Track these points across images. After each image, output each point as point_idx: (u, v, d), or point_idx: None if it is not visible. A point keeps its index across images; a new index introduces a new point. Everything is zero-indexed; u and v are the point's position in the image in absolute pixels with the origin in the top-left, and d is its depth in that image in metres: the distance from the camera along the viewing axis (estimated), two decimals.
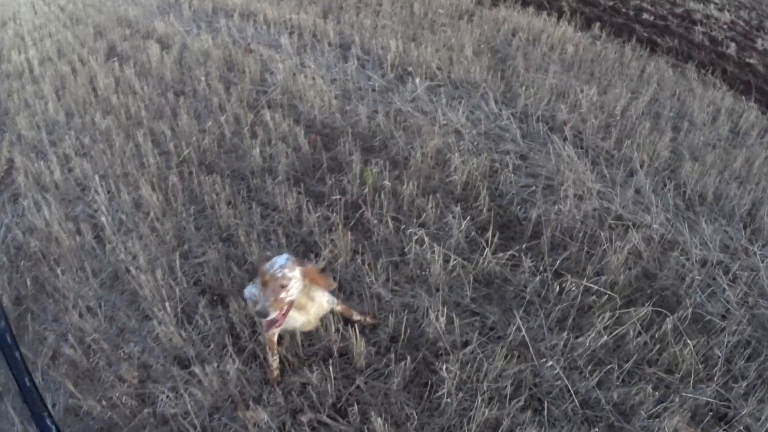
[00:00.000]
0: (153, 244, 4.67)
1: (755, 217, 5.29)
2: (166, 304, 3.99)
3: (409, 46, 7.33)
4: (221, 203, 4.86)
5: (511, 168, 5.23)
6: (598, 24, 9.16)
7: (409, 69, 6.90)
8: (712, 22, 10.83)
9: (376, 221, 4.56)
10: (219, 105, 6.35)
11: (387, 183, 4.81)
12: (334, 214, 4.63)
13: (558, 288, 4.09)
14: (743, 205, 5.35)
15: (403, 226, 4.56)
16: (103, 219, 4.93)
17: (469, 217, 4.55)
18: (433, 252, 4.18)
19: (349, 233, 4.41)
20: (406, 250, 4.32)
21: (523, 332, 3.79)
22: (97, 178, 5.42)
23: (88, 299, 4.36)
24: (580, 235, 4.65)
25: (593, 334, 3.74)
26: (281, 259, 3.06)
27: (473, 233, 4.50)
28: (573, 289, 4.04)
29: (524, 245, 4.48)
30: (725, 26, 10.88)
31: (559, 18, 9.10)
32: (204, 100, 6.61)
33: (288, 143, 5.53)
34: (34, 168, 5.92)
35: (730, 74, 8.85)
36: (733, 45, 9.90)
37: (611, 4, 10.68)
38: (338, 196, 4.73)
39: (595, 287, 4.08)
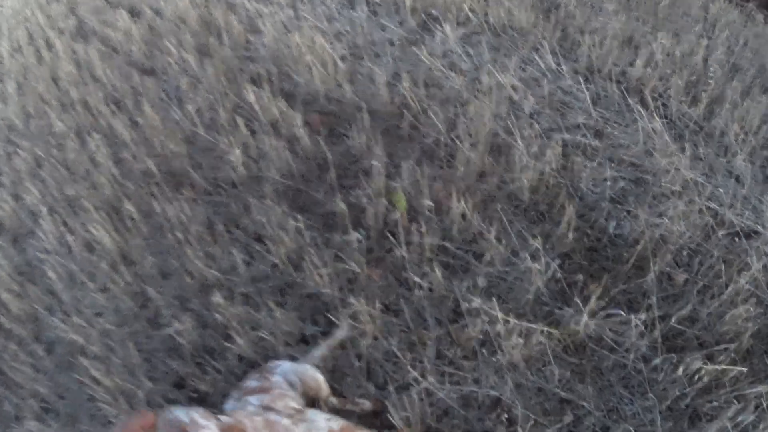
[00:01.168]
0: (109, 310, 3.16)
1: None
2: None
3: None
4: (191, 240, 3.23)
5: (588, 152, 3.60)
6: None
7: (435, 13, 5.02)
8: None
9: (415, 270, 2.93)
10: (191, 85, 4.52)
11: (428, 203, 3.10)
12: (353, 258, 2.97)
13: (675, 359, 2.67)
14: None
15: (454, 264, 3.00)
16: (51, 273, 3.35)
17: (549, 246, 2.96)
18: (505, 318, 2.62)
19: (376, 279, 2.86)
20: (463, 310, 2.74)
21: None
22: (44, 209, 3.80)
23: (43, 393, 2.99)
24: (695, 262, 3.16)
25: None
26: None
27: (558, 274, 2.89)
28: (690, 361, 2.61)
29: (622, 286, 2.93)
30: None
31: None
32: (175, 80, 4.80)
33: (280, 133, 3.78)
34: None
35: None
36: None
37: None
38: (355, 236, 3.04)
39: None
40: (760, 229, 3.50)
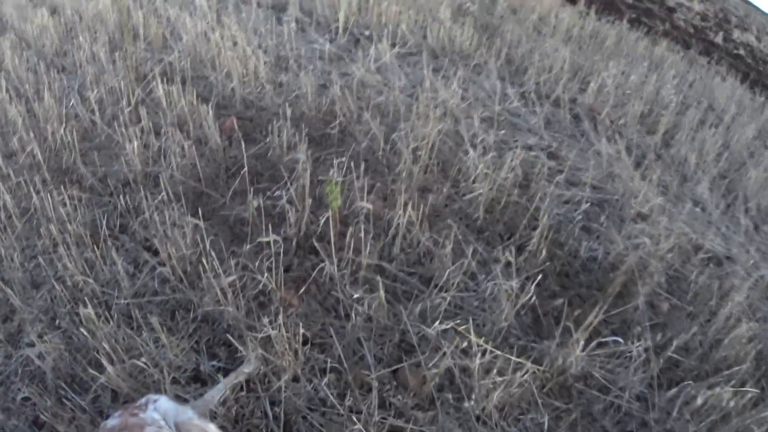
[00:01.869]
0: None
1: None
2: None
3: (366, 5, 4.92)
4: (69, 243, 2.43)
5: (544, 173, 3.04)
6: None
7: (368, 33, 4.53)
8: (685, 10, 9.06)
9: (348, 290, 2.19)
10: (95, 78, 3.77)
11: (365, 204, 2.35)
12: (267, 274, 2.15)
13: (675, 393, 2.14)
14: None
15: (398, 289, 2.27)
16: None
17: (515, 269, 2.31)
18: (470, 350, 1.93)
19: (294, 303, 2.11)
20: (415, 343, 2.03)
21: None
22: None
23: None
24: (675, 288, 2.73)
25: None
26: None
27: (533, 299, 2.21)
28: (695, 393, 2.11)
29: (605, 315, 2.31)
30: (698, 16, 9.17)
31: None
32: (84, 74, 4.04)
33: (187, 132, 3.05)
34: None
35: (728, 64, 7.19)
36: (720, 34, 8.14)
37: None
38: (271, 238, 2.13)
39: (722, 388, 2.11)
40: (733, 253, 3.17)
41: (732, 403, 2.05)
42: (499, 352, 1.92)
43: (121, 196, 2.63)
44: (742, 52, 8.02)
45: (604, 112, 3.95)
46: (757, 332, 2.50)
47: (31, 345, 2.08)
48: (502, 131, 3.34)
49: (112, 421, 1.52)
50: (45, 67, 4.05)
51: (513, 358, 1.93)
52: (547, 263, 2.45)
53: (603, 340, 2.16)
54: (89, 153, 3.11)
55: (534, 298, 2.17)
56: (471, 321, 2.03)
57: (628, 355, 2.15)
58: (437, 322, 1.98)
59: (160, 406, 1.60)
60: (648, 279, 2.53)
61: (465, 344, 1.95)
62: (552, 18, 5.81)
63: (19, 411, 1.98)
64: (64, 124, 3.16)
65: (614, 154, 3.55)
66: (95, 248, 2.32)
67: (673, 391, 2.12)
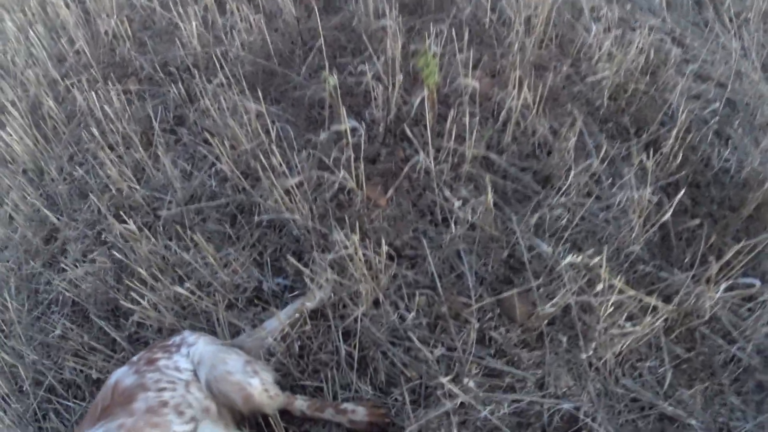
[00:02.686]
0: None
1: None
2: None
3: None
4: (115, 144, 2.14)
5: (670, 63, 2.48)
6: None
7: None
8: None
9: (447, 189, 1.76)
10: None
11: (471, 82, 1.85)
12: (344, 171, 1.70)
13: None
14: None
15: (510, 193, 1.83)
16: None
17: (649, 173, 1.82)
18: (594, 283, 1.51)
19: (381, 204, 1.71)
20: (526, 261, 1.61)
21: None
22: None
23: None
24: None
25: None
26: None
27: (666, 215, 1.73)
28: None
29: (741, 242, 1.83)
30: None
31: None
32: None
33: (257, 4, 2.53)
34: None
35: None
36: None
37: None
38: (347, 125, 1.69)
39: None
40: None
41: None
42: (630, 291, 1.48)
43: (178, 84, 2.27)
44: None
45: (727, 2, 3.30)
46: None
47: (75, 266, 1.78)
48: (627, 6, 2.74)
49: (121, 371, 1.30)
50: None
51: (644, 297, 1.50)
52: (682, 171, 1.96)
53: (738, 282, 1.70)
54: (147, 42, 2.72)
55: (668, 214, 1.72)
56: (597, 244, 1.60)
57: (761, 300, 1.69)
58: (555, 239, 1.54)
59: (196, 351, 1.26)
60: None
61: (588, 276, 1.52)
62: None
63: (58, 345, 1.74)
64: (115, 15, 2.78)
65: (740, 51, 2.94)
66: (145, 148, 2.02)
67: None
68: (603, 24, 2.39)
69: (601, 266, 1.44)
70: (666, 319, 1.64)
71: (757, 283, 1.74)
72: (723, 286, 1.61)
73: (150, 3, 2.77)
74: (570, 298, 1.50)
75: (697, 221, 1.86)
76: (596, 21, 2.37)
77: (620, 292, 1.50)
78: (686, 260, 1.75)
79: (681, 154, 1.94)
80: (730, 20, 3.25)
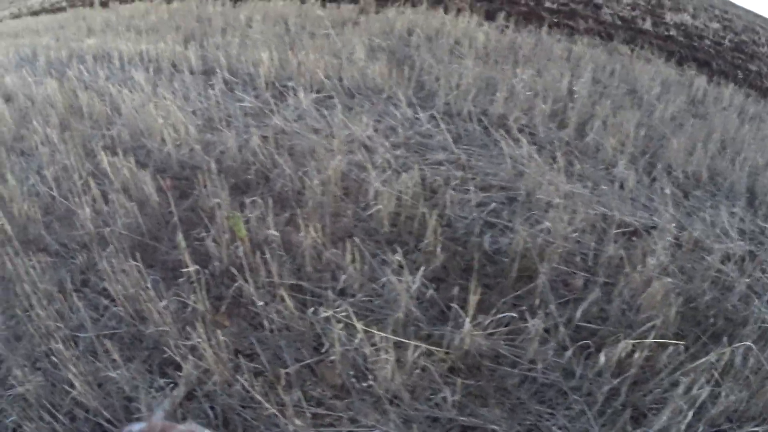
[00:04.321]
0: None
1: (757, 192, 4.35)
2: None
3: (287, 57, 5.45)
4: (40, 298, 2.88)
5: (452, 183, 3.45)
6: (502, 14, 7.67)
7: (290, 83, 5.02)
8: (614, 4, 9.64)
9: (264, 298, 2.62)
10: (50, 157, 4.31)
11: (273, 232, 2.84)
12: (194, 294, 2.61)
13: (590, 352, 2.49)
14: (741, 181, 4.36)
15: (311, 300, 2.66)
16: None
17: (414, 267, 2.69)
18: (372, 340, 2.31)
19: (225, 324, 2.53)
20: (324, 342, 2.43)
21: None
22: None
23: None
24: (587, 260, 3.07)
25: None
26: None
27: (429, 292, 2.63)
28: (612, 354, 2.40)
29: (510, 296, 2.71)
30: (628, 6, 9.73)
31: (458, 13, 7.58)
32: (39, 155, 4.57)
33: (130, 195, 3.56)
34: None
35: (656, 47, 7.68)
36: (648, 19, 8.69)
37: None
38: (192, 268, 2.64)
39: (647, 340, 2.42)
40: (657, 222, 3.49)
41: (658, 358, 2.40)
42: (396, 338, 2.29)
43: (80, 255, 3.13)
44: (673, 32, 8.56)
45: (513, 117, 4.37)
46: (678, 286, 2.87)
47: (20, 384, 2.45)
48: (411, 153, 3.76)
49: None
50: (5, 152, 4.57)
51: (411, 342, 2.30)
52: (448, 260, 2.84)
53: (500, 316, 2.50)
54: (51, 224, 3.58)
55: (431, 291, 2.58)
56: (373, 316, 2.42)
57: (530, 330, 2.45)
58: (342, 324, 2.35)
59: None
60: (553, 258, 2.89)
61: (370, 338, 2.32)
62: (467, 39, 6.30)
63: None
64: (27, 202, 3.67)
65: (525, 154, 3.93)
66: (63, 300, 2.80)
67: (589, 353, 2.46)
68: (381, 169, 3.41)
69: (370, 326, 2.27)
70: (445, 360, 2.41)
71: (515, 315, 2.54)
72: (485, 324, 2.42)
73: (51, 192, 3.69)
74: (353, 354, 2.30)
75: (457, 291, 2.64)
76: (377, 169, 3.38)
77: (392, 342, 2.29)
78: (456, 319, 2.56)
79: (440, 248, 2.83)
80: (518, 131, 4.28)
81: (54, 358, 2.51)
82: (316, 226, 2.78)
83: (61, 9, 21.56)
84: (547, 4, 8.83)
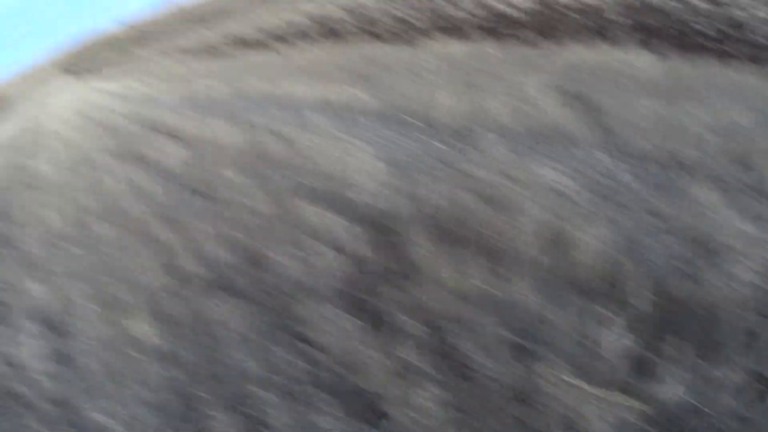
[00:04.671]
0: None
1: None
2: None
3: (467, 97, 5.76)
4: (237, 341, 3.30)
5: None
6: None
7: (474, 126, 5.27)
8: None
9: (482, 355, 2.81)
10: (239, 201, 4.87)
11: (477, 283, 3.08)
12: (406, 348, 2.90)
13: None
14: None
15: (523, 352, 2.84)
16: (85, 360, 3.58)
17: (618, 319, 2.84)
18: (578, 393, 2.53)
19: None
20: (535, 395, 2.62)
21: None
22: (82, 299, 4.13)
23: None
24: None
25: None
26: None
27: (630, 344, 2.77)
28: None
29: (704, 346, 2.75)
30: None
31: None
32: (224, 200, 5.14)
33: (330, 244, 3.84)
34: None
35: None
36: None
37: None
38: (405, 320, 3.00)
39: None
40: None
41: None
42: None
43: (278, 302, 3.46)
44: None
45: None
46: None
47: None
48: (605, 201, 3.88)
49: None
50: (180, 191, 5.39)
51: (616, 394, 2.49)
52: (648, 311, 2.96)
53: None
54: (246, 269, 3.91)
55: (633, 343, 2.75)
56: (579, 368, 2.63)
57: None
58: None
59: None
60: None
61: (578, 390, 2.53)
62: None
63: None
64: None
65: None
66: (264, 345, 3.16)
67: None
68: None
69: None
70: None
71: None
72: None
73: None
74: None
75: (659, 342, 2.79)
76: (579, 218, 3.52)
77: None
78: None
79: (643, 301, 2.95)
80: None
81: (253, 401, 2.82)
82: (524, 279, 2.98)
83: (224, 54, 23.02)
84: None
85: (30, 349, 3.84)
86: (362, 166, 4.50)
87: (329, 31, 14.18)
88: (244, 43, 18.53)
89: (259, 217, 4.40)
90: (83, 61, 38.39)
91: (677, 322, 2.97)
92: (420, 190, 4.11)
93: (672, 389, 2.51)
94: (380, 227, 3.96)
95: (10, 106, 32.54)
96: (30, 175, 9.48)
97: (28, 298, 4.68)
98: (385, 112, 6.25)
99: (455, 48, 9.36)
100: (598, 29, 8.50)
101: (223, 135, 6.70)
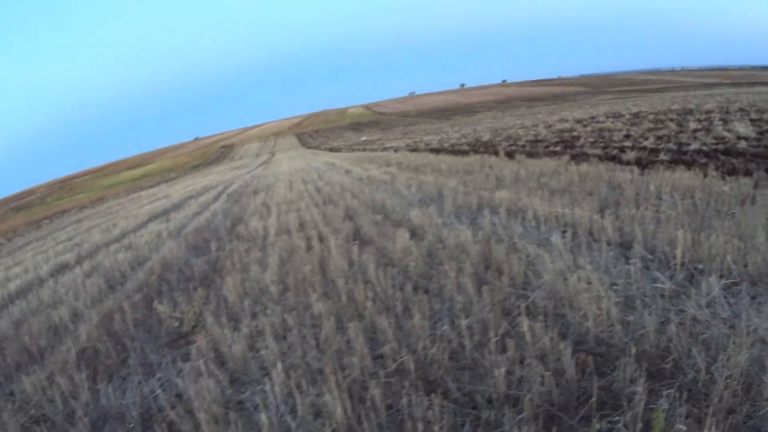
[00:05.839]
0: None
1: None
2: None
3: (698, 239, 6.18)
4: None
5: None
6: None
7: (701, 266, 5.76)
8: None
9: None
10: (464, 307, 5.29)
11: (681, 428, 3.45)
12: None
13: None
14: None
15: None
16: (262, 416, 4.06)
17: None
18: None
19: None
20: None
21: None
22: (280, 365, 4.73)
23: None
24: None
25: None
26: None
27: None
28: None
29: None
30: None
31: None
32: (448, 301, 5.66)
33: (547, 364, 4.25)
34: (218, 334, 5.78)
35: None
36: None
37: None
38: None
39: None
40: None
41: None
42: None
43: (485, 410, 3.79)
44: None
45: None
46: None
47: None
48: None
49: None
50: (411, 287, 5.84)
51: None
52: None
53: None
54: (453, 371, 4.34)
55: None
56: None
57: None
58: None
59: None
60: None
61: None
62: None
63: None
64: (436, 343, 4.53)
65: None
66: None
67: None
68: None
69: None
70: None
71: None
72: None
73: (462, 340, 4.58)
74: None
75: None
76: None
77: None
78: None
79: None
80: None
81: None
82: (715, 425, 3.42)
83: (464, 152, 24.02)
84: None
85: None
86: (594, 293, 5.00)
87: (580, 155, 15.01)
88: None
89: (481, 323, 4.99)
90: None
91: None
92: (643, 326, 4.60)
93: None
94: (598, 355, 4.52)
95: None
96: None
97: None
98: (623, 242, 6.82)
99: (683, 176, 9.78)
100: None
101: (460, 239, 7.36)
